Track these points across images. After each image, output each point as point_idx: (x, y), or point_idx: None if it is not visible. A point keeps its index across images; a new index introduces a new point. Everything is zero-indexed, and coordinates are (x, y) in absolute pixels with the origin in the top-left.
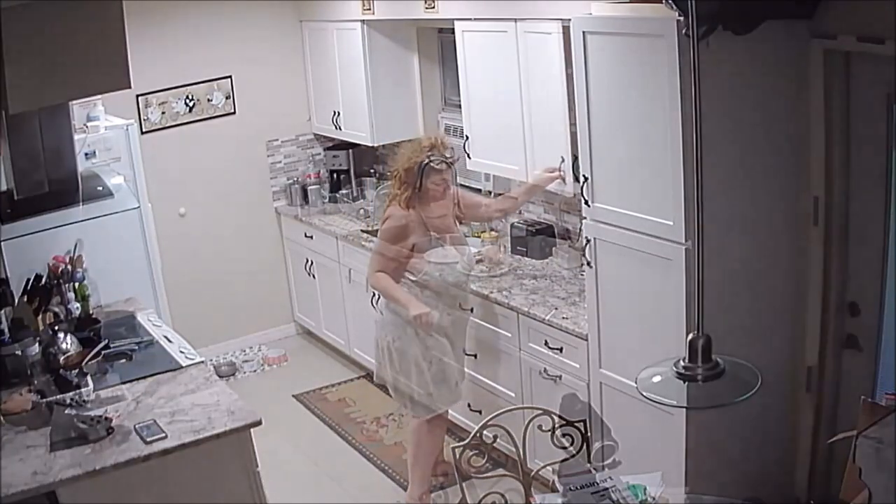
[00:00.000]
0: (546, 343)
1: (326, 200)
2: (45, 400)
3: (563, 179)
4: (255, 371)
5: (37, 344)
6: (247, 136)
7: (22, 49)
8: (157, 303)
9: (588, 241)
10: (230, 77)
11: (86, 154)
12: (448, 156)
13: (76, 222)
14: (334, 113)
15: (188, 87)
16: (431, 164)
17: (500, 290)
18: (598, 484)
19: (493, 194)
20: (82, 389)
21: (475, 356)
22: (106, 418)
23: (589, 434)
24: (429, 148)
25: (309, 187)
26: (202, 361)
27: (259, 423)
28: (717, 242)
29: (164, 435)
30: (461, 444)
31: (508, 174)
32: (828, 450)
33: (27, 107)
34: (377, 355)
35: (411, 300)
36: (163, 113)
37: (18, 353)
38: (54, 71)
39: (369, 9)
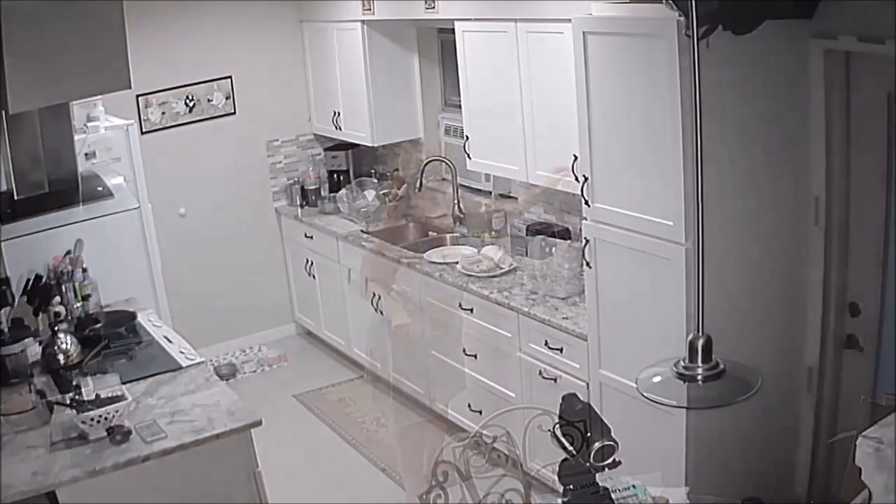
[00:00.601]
0: (546, 343)
1: (326, 200)
2: (45, 400)
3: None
4: (254, 371)
5: (37, 344)
6: (247, 137)
7: (22, 49)
8: (157, 303)
9: (587, 241)
10: (230, 77)
11: (86, 154)
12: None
13: (76, 222)
14: (334, 113)
15: (188, 87)
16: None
17: (500, 290)
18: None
19: (493, 194)
20: (82, 389)
21: (475, 356)
22: (106, 418)
23: (589, 434)
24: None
25: (309, 188)
26: (202, 362)
27: (259, 423)
28: (718, 243)
29: (164, 435)
30: (461, 444)
31: (508, 174)
32: (828, 450)
33: (27, 107)
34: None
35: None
36: (163, 113)
37: (18, 353)
38: (54, 71)
39: (369, 9)
